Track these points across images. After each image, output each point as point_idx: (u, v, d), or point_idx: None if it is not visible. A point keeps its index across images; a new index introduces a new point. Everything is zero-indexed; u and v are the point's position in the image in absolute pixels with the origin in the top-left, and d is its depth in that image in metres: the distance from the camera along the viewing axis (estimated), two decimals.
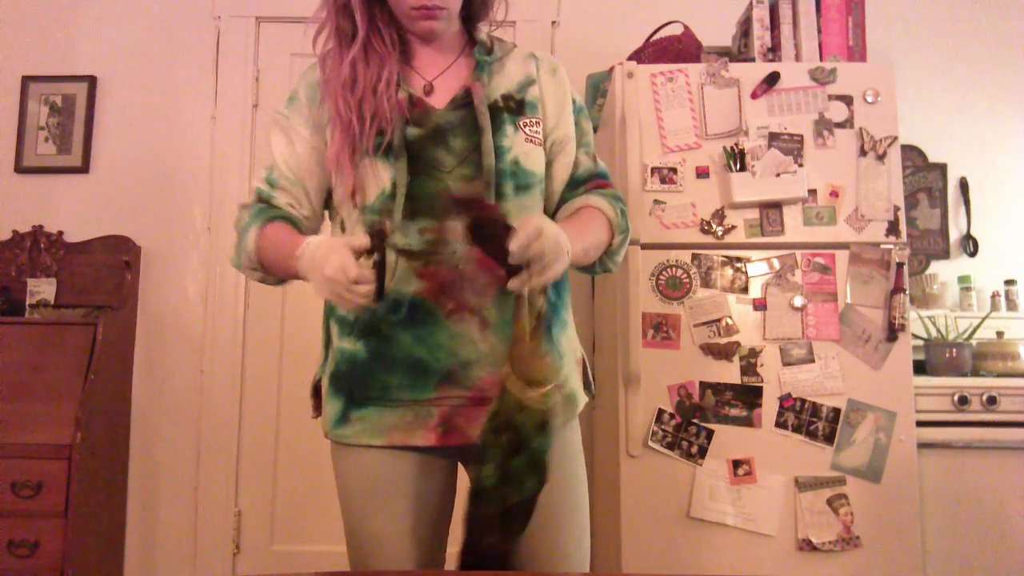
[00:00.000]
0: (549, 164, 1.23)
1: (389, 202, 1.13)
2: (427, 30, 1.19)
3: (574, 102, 1.27)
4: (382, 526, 1.15)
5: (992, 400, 2.05)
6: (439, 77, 1.22)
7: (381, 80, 1.15)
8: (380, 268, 1.02)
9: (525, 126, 1.19)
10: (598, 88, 2.46)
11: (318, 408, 1.25)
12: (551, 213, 1.25)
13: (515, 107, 1.20)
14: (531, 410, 0.98)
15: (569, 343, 1.23)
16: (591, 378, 1.29)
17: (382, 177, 1.14)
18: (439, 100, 1.19)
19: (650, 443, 1.95)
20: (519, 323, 1.01)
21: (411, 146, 1.15)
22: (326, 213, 1.28)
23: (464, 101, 1.18)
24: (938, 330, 2.23)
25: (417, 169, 1.14)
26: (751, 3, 2.23)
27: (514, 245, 0.96)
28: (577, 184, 1.25)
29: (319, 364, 1.25)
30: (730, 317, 1.98)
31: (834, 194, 2.02)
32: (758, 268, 2.00)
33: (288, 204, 1.20)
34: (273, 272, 1.18)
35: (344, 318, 1.18)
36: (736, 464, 1.93)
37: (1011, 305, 2.53)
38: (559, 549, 1.17)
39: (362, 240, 1.01)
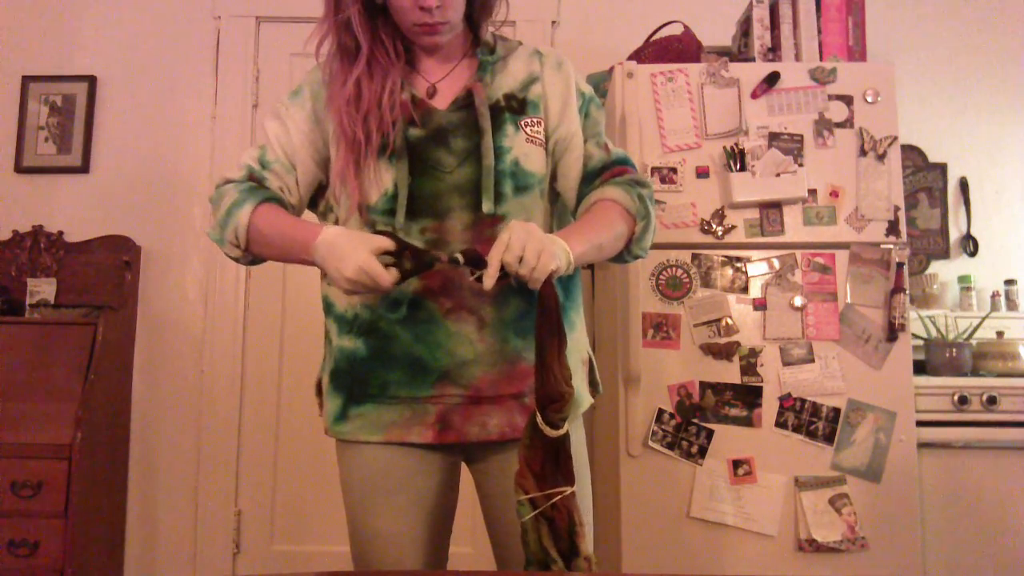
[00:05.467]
0: (557, 163, 1.22)
1: (391, 202, 1.14)
2: (430, 44, 1.19)
3: (583, 94, 1.25)
4: (382, 522, 1.16)
5: (992, 400, 2.04)
6: (443, 79, 1.21)
7: (385, 91, 1.14)
8: (402, 272, 1.02)
9: (526, 126, 1.18)
10: (598, 88, 2.45)
11: (323, 405, 1.25)
12: (571, 211, 1.24)
13: (517, 106, 1.19)
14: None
15: (575, 344, 1.23)
16: (597, 377, 1.30)
17: (384, 178, 1.14)
18: (442, 101, 1.19)
19: (650, 443, 1.95)
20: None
21: (413, 147, 1.15)
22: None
23: (466, 102, 1.18)
24: (938, 330, 2.23)
25: (418, 169, 1.15)
26: (751, 3, 2.23)
27: (490, 270, 1.00)
28: (592, 177, 1.21)
29: (322, 361, 1.26)
30: (730, 317, 1.98)
31: (834, 194, 2.02)
32: (758, 268, 2.00)
33: (280, 189, 1.19)
34: (262, 252, 1.16)
35: (342, 316, 1.19)
36: (736, 464, 1.93)
37: (1011, 305, 2.52)
38: None
39: (386, 242, 1.02)
